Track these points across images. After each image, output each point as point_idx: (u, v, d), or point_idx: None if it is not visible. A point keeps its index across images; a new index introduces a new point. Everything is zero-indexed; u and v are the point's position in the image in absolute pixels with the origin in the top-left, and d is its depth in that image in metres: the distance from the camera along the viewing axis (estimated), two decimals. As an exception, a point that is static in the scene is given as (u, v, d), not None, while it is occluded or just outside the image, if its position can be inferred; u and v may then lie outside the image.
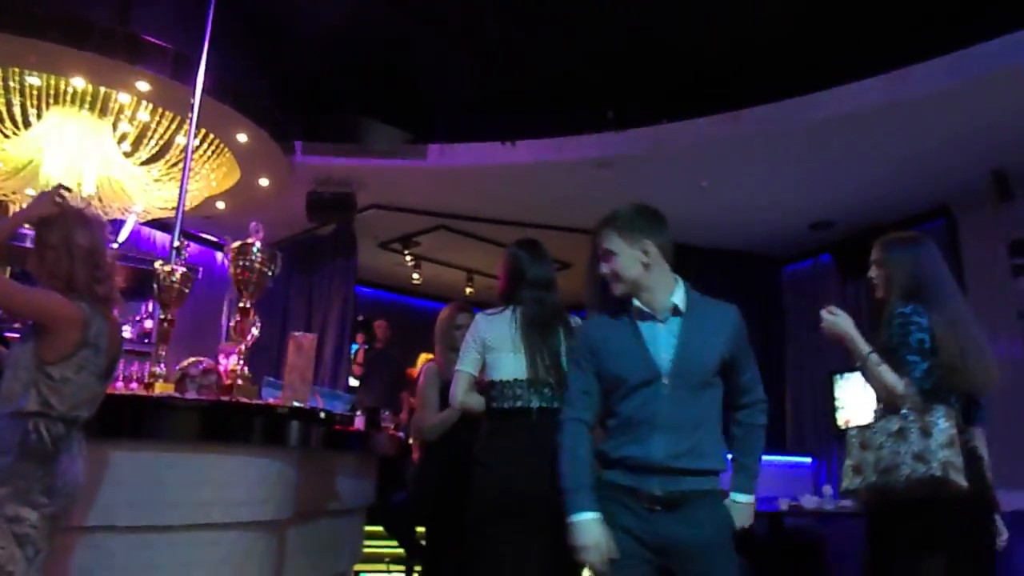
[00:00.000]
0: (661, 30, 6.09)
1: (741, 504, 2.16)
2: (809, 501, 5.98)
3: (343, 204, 6.93)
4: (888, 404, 2.38)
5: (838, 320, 2.58)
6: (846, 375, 7.36)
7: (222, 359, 3.27)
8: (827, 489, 6.41)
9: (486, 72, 6.27)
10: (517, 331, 2.55)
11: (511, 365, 2.52)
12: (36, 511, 2.01)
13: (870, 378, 2.44)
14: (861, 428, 2.45)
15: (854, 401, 7.25)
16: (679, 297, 2.13)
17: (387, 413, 4.95)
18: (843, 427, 7.31)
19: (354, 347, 7.66)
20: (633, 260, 2.09)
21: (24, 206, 2.23)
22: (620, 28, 6.11)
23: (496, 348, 2.54)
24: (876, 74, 5.14)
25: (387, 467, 4.41)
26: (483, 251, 8.43)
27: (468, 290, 9.45)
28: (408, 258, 8.52)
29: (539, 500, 2.27)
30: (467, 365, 2.60)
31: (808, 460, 7.67)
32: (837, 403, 7.40)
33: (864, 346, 2.48)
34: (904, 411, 2.28)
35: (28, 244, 2.34)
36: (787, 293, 8.53)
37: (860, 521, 5.75)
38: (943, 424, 2.17)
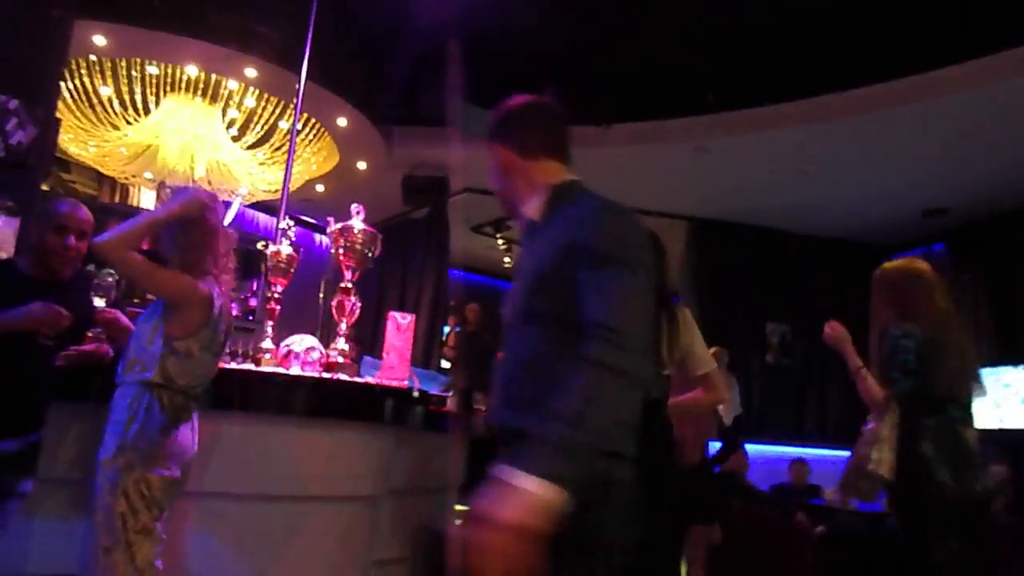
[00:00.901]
0: (764, 9, 5.83)
1: (502, 486, 1.19)
2: (915, 503, 5.66)
3: (437, 187, 7.02)
4: (875, 411, 2.82)
5: (837, 335, 3.00)
6: (959, 372, 6.90)
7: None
8: (935, 491, 6.05)
9: (582, 54, 6.17)
10: None
11: None
12: (159, 475, 2.14)
13: (859, 389, 2.89)
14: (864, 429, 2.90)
15: (967, 400, 6.80)
16: (534, 206, 1.62)
17: (479, 395, 5.00)
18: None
19: (445, 329, 7.78)
20: (495, 170, 1.68)
21: (165, 200, 2.36)
22: (721, 7, 5.88)
23: None
24: (996, 52, 4.76)
25: (477, 449, 4.45)
26: (574, 235, 8.36)
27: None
28: (500, 241, 8.56)
29: None
30: None
31: (913, 460, 7.27)
32: (948, 401, 6.95)
33: (856, 360, 2.90)
34: (890, 417, 2.73)
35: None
36: (895, 284, 8.07)
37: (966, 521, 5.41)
38: (925, 427, 2.65)
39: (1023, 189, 6.31)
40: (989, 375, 6.59)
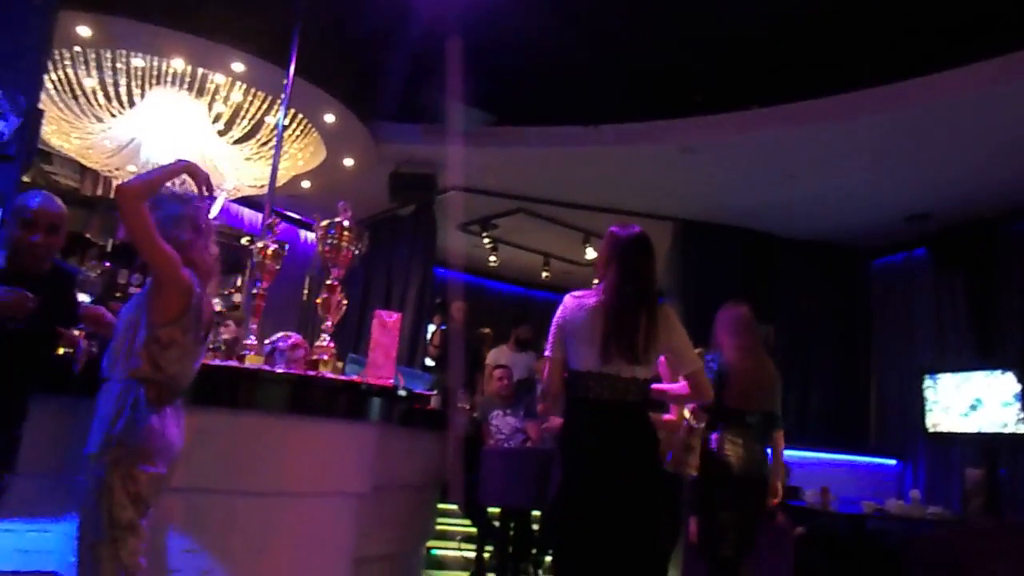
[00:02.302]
0: (752, 11, 5.87)
1: None
2: (893, 505, 5.74)
3: (424, 185, 7.00)
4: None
5: None
6: (938, 375, 7.00)
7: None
8: (915, 494, 6.14)
9: (571, 54, 6.18)
10: None
11: None
12: (145, 471, 2.12)
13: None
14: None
15: (947, 402, 6.89)
16: None
17: (462, 394, 5.01)
18: (933, 430, 6.97)
19: (430, 328, 7.77)
20: None
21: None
22: (710, 9, 5.92)
23: None
24: (982, 59, 4.82)
25: (462, 447, 4.46)
26: (561, 236, 8.38)
27: (544, 274, 9.43)
28: (486, 240, 8.56)
29: None
30: None
31: (893, 462, 7.37)
32: (927, 404, 7.04)
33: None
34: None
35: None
36: (876, 287, 8.16)
37: (948, 528, 5.51)
38: (721, 426, 3.78)
39: (1004, 195, 6.39)
40: (967, 380, 6.69)
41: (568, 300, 2.65)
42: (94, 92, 5.37)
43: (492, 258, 9.05)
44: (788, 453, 6.41)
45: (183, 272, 2.21)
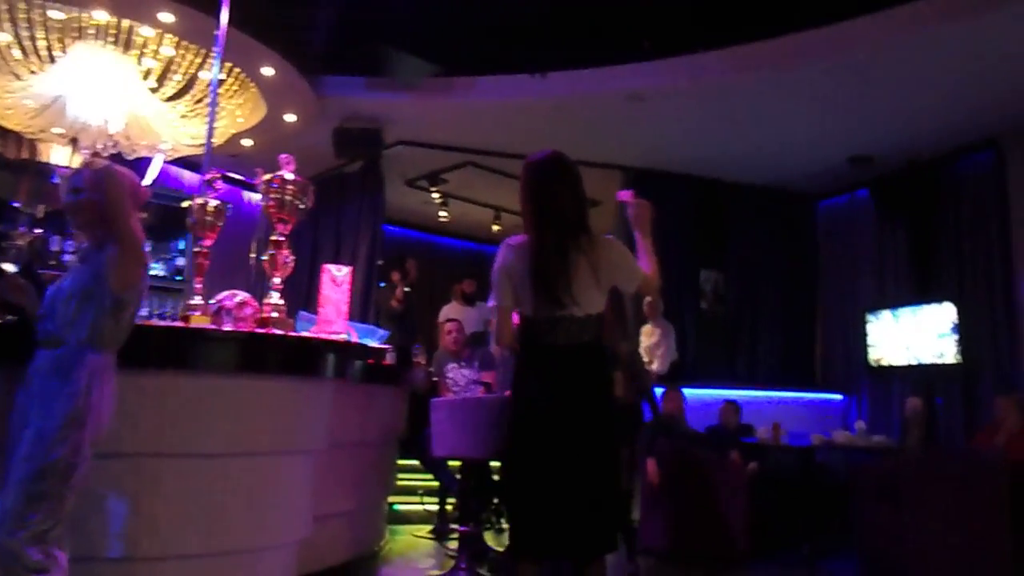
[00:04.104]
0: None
1: None
2: (840, 436, 5.97)
3: (370, 140, 6.85)
4: None
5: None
6: (879, 312, 7.25)
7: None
8: (860, 424, 6.40)
9: (517, 1, 6.04)
10: None
11: None
12: (86, 436, 2.06)
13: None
14: None
15: (887, 339, 7.15)
16: None
17: (419, 347, 4.99)
18: (875, 365, 7.24)
19: (382, 285, 7.69)
20: None
21: (63, 190, 2.35)
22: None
23: None
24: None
25: (420, 401, 4.45)
26: (512, 188, 8.24)
27: (495, 228, 9.38)
28: (435, 195, 8.44)
29: None
30: None
31: (839, 397, 7.65)
32: (870, 340, 7.30)
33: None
34: None
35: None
36: (821, 229, 8.36)
37: (889, 457, 5.75)
38: None
39: (943, 137, 6.56)
40: (906, 315, 6.95)
41: (503, 248, 2.53)
42: (8, 47, 5.04)
43: (443, 213, 8.94)
44: (740, 393, 6.64)
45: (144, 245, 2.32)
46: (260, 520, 2.80)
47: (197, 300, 3.18)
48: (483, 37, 6.39)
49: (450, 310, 7.38)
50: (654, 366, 6.68)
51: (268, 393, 2.82)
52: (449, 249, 10.76)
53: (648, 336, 6.94)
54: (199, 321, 3.05)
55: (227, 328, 2.98)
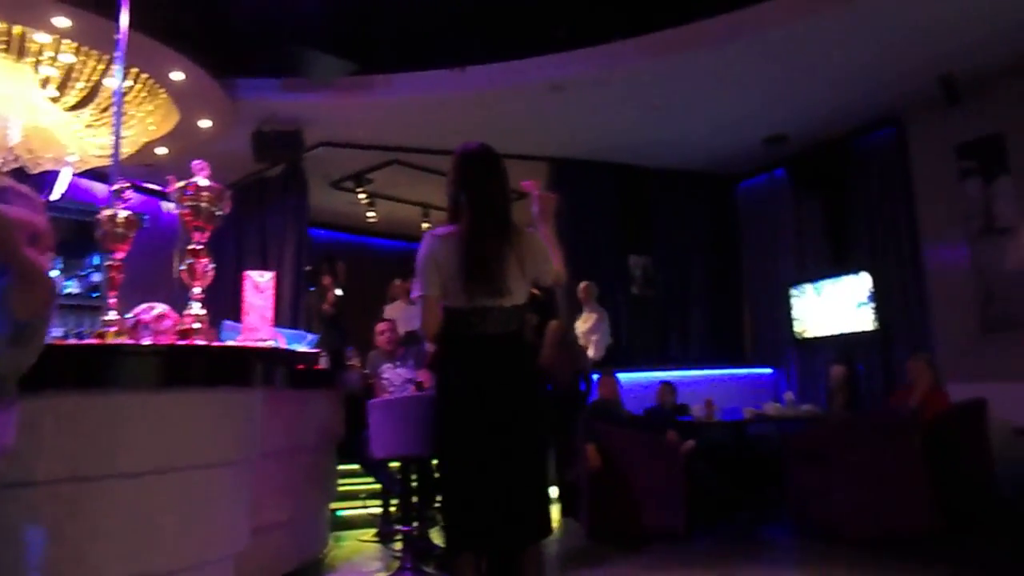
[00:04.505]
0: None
1: None
2: (770, 408, 6.19)
3: (290, 143, 6.70)
4: None
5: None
6: (802, 286, 7.53)
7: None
8: (788, 395, 6.64)
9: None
10: None
11: None
12: None
13: None
14: None
15: (809, 312, 7.44)
16: None
17: (352, 349, 4.92)
18: (801, 337, 7.52)
19: (312, 288, 7.55)
20: None
21: None
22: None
23: None
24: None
25: (356, 404, 4.40)
26: (439, 185, 8.21)
27: (424, 225, 9.31)
28: (361, 196, 8.33)
29: None
30: None
31: (769, 371, 7.91)
32: (794, 315, 7.58)
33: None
34: None
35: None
36: (742, 209, 8.62)
37: (816, 424, 5.97)
38: None
39: (850, 115, 6.85)
40: (826, 287, 7.24)
41: (429, 238, 2.52)
42: None
43: (370, 214, 8.84)
44: (675, 373, 6.81)
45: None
46: (193, 537, 2.71)
47: (112, 316, 3.05)
48: (400, 33, 6.34)
49: (393, 310, 7.28)
50: (590, 352, 6.77)
51: (193, 406, 2.73)
52: (379, 249, 10.65)
53: (583, 322, 7.03)
54: (115, 337, 2.93)
55: (146, 342, 2.88)
